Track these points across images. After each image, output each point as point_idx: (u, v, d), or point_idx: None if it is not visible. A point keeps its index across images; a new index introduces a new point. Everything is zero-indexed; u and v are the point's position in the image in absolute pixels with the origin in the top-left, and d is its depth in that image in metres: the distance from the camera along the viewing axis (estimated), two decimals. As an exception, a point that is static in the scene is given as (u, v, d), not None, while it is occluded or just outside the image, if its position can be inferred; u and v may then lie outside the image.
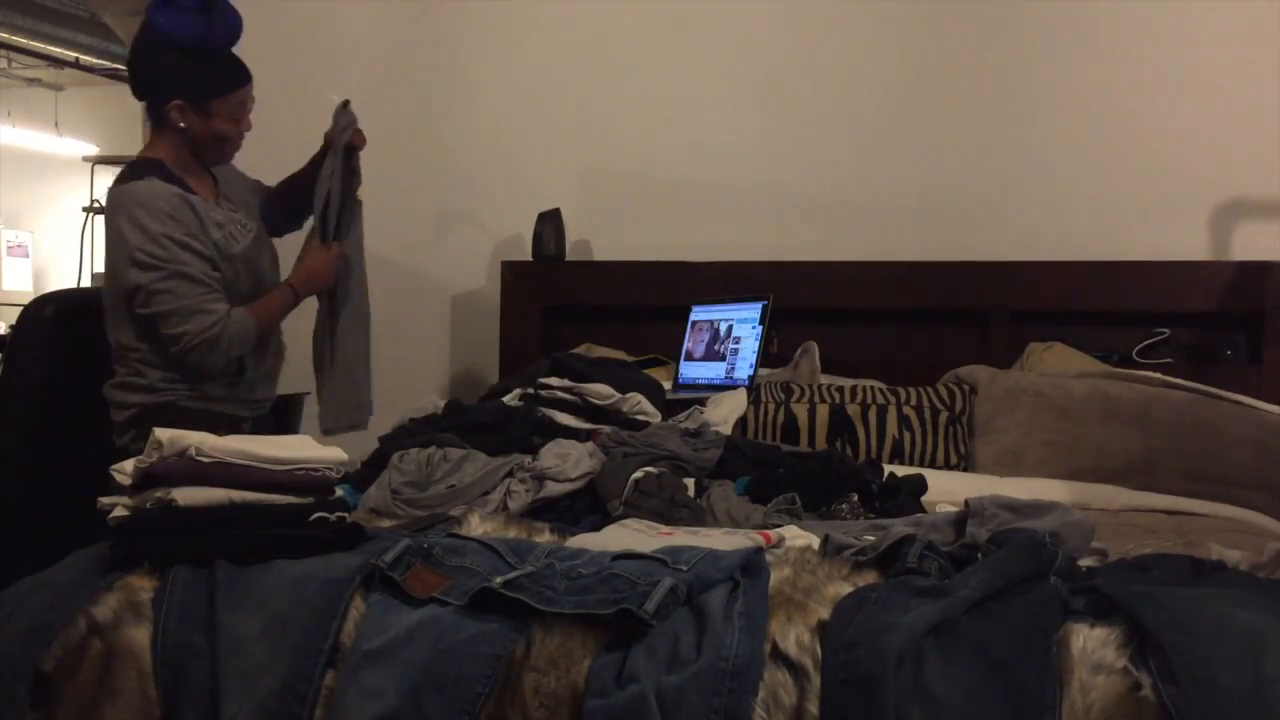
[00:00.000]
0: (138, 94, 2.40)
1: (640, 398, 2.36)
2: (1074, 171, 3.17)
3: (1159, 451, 2.42)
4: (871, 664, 1.20)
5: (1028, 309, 3.07)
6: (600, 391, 2.32)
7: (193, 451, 1.50)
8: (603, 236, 3.58)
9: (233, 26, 2.35)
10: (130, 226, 2.27)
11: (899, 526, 1.58)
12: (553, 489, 1.85)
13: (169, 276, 2.27)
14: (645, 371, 2.70)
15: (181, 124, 2.35)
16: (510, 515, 1.80)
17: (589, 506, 1.85)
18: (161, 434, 1.51)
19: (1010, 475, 2.38)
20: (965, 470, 2.51)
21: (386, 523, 1.77)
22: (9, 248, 9.29)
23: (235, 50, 2.40)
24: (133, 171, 2.36)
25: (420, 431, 2.16)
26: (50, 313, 2.62)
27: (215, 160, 2.47)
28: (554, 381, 2.35)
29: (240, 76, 2.39)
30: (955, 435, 2.56)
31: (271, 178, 2.68)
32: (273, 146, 2.62)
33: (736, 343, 2.88)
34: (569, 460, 1.90)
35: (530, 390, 2.38)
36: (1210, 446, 2.41)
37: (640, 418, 2.32)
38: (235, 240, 2.41)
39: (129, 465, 1.54)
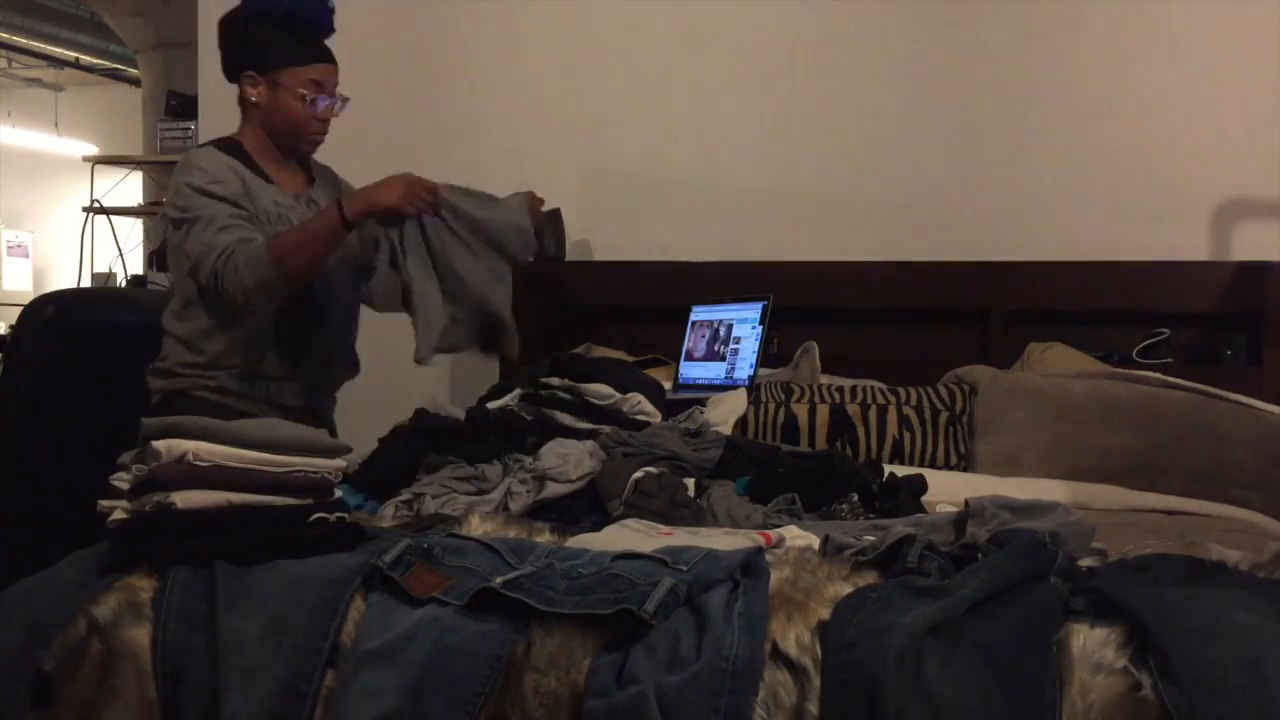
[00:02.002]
0: (224, 71, 2.38)
1: (640, 398, 2.36)
2: (1074, 171, 3.17)
3: (1159, 452, 2.42)
4: (872, 664, 1.20)
5: (1028, 309, 3.06)
6: (600, 391, 2.32)
7: (190, 456, 1.50)
8: (603, 236, 3.57)
9: (317, 5, 2.32)
10: (173, 185, 2.28)
11: (899, 526, 1.58)
12: (553, 489, 1.85)
13: (186, 223, 2.22)
14: (645, 371, 2.70)
15: (253, 96, 2.33)
16: (510, 515, 1.80)
17: (589, 506, 1.85)
18: (159, 443, 1.51)
19: (1010, 475, 2.38)
20: (965, 470, 2.51)
21: (387, 523, 1.77)
22: (9, 248, 9.29)
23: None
24: (204, 144, 2.37)
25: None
26: (50, 313, 2.62)
27: (290, 146, 2.39)
28: (554, 381, 2.35)
29: (314, 52, 2.33)
30: (955, 435, 2.56)
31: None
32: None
33: (736, 343, 2.88)
34: (570, 460, 1.90)
35: (530, 390, 2.38)
36: (1210, 447, 2.41)
37: (640, 418, 2.32)
38: (286, 220, 2.33)
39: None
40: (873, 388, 2.66)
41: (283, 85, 2.31)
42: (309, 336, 2.41)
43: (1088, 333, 3.04)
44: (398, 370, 2.60)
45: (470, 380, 3.62)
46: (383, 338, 2.74)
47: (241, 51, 2.33)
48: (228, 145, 2.36)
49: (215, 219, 2.21)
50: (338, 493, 1.66)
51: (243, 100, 2.37)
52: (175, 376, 2.32)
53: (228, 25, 2.36)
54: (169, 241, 2.32)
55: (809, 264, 3.23)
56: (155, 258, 5.41)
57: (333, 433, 2.53)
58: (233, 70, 2.36)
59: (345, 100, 2.41)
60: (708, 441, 2.10)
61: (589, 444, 1.99)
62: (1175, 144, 3.10)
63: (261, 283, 2.16)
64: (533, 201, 2.38)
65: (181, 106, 5.26)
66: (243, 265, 2.15)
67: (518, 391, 2.40)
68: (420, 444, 2.06)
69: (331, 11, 2.35)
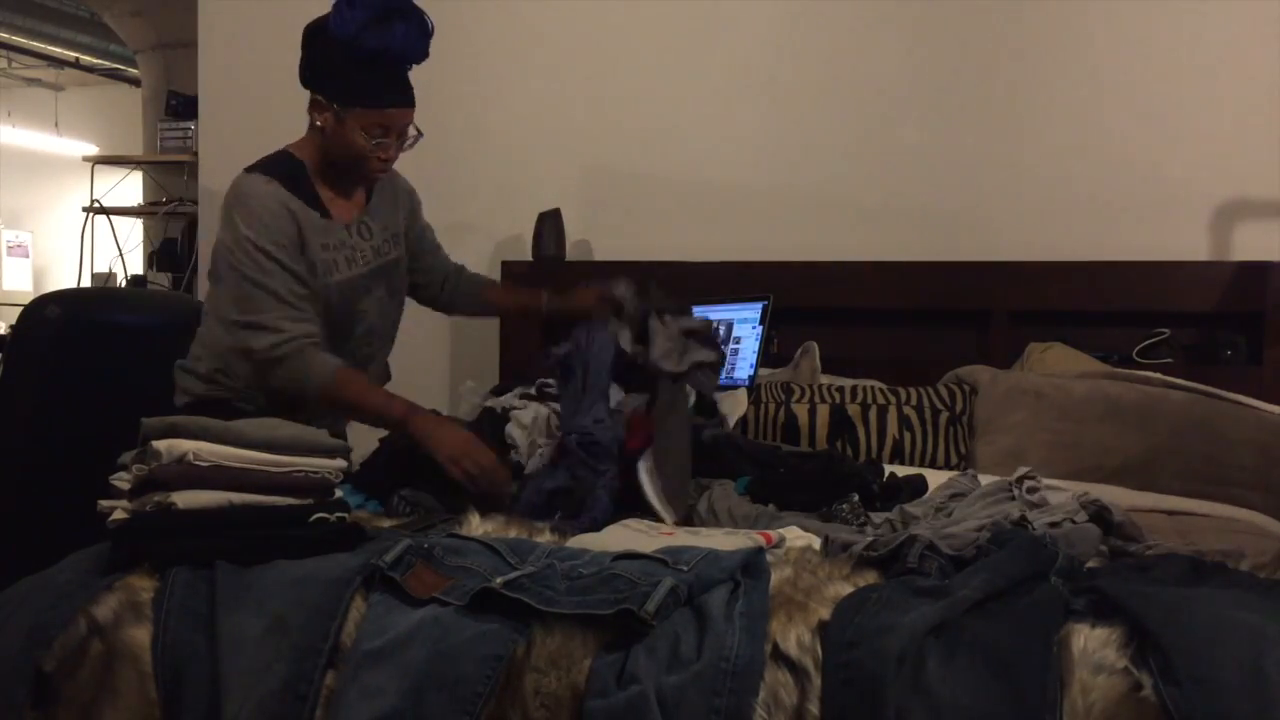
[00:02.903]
0: (302, 78, 2.23)
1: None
2: (1074, 171, 3.17)
3: (1159, 451, 2.42)
4: (872, 664, 1.20)
5: (1028, 309, 3.06)
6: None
7: (190, 456, 1.50)
8: (603, 236, 3.57)
9: (408, 44, 2.12)
10: (228, 221, 2.17)
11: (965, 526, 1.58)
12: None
13: (245, 282, 2.12)
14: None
15: (318, 121, 2.20)
16: (510, 515, 1.80)
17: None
18: (159, 443, 1.51)
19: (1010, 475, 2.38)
20: (966, 470, 2.51)
21: (387, 523, 1.78)
22: (9, 248, 9.29)
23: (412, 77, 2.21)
24: (263, 163, 2.23)
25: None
26: (51, 313, 2.62)
27: (346, 174, 2.27)
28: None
29: (391, 97, 2.16)
30: (955, 435, 2.56)
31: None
32: (271, 146, 2.61)
33: (736, 343, 2.88)
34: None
35: (531, 391, 2.37)
36: (1210, 447, 2.41)
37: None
38: (336, 269, 2.23)
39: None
40: (873, 388, 2.66)
41: (348, 121, 2.16)
42: (344, 352, 2.31)
43: (1088, 333, 3.04)
44: (396, 371, 2.60)
45: (470, 380, 3.62)
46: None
47: (315, 71, 2.18)
48: (287, 163, 2.25)
49: (279, 292, 2.11)
50: (338, 493, 1.66)
51: (310, 112, 2.24)
52: (213, 383, 2.25)
53: (310, 37, 2.20)
54: (219, 274, 2.20)
55: (809, 264, 3.22)
56: (155, 258, 5.42)
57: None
58: (307, 81, 2.22)
59: (418, 136, 2.26)
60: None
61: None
62: (1175, 144, 3.10)
63: (313, 391, 2.11)
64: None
65: (181, 106, 5.26)
66: (315, 373, 2.09)
67: (518, 390, 2.40)
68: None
69: (428, 39, 2.15)
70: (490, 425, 2.21)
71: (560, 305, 2.54)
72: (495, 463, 2.00)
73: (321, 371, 2.10)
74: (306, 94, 2.23)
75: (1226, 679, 1.15)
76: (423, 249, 2.53)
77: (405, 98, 2.19)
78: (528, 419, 2.15)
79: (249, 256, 2.12)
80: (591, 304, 2.36)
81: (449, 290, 2.61)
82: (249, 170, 2.23)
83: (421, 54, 2.16)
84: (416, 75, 2.09)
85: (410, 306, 2.62)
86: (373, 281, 2.32)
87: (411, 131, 2.23)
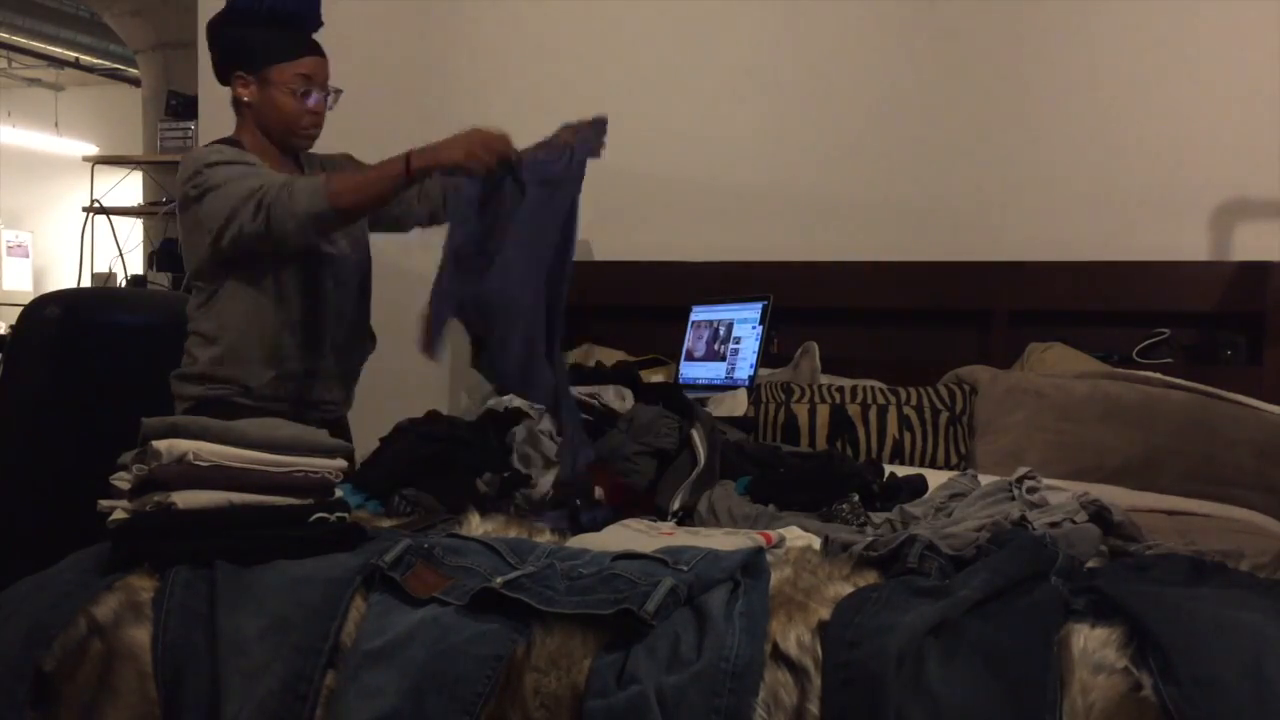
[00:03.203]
0: (216, 75, 2.38)
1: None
2: (1074, 171, 3.17)
3: (1159, 451, 2.42)
4: (872, 664, 1.20)
5: (1028, 309, 3.06)
6: (616, 394, 2.32)
7: (190, 456, 1.50)
8: (603, 236, 3.57)
9: (304, 1, 2.31)
10: (181, 182, 2.26)
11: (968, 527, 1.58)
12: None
13: (213, 189, 2.19)
14: (644, 372, 2.70)
15: (244, 96, 2.33)
16: (510, 515, 1.80)
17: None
18: (159, 443, 1.51)
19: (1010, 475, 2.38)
20: (965, 470, 2.51)
21: (387, 523, 1.78)
22: (9, 248, 9.29)
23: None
24: (207, 146, 2.35)
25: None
26: (51, 313, 2.62)
27: (283, 143, 2.38)
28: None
29: (301, 47, 2.32)
30: (955, 435, 2.56)
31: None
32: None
33: (736, 343, 2.88)
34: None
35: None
36: (1210, 447, 2.41)
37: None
38: None
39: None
40: (873, 388, 2.66)
41: (272, 82, 2.30)
42: (326, 325, 2.40)
43: (1088, 333, 3.04)
44: (396, 371, 2.59)
45: (470, 381, 3.62)
46: (381, 340, 2.73)
47: (229, 53, 2.33)
48: (229, 144, 2.35)
49: (248, 174, 2.19)
50: (338, 493, 1.66)
51: (236, 102, 2.37)
52: (209, 383, 2.30)
53: (214, 29, 2.36)
54: (187, 222, 2.28)
55: (809, 264, 3.22)
56: (155, 258, 5.41)
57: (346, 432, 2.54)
58: (224, 73, 2.36)
59: (338, 92, 2.39)
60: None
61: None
62: (1175, 144, 3.09)
63: (314, 214, 2.12)
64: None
65: (181, 106, 5.26)
66: (300, 194, 2.11)
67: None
68: (423, 447, 2.06)
69: (317, 3, 2.33)
70: (494, 426, 2.21)
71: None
72: (499, 132, 2.04)
73: (316, 185, 2.13)
74: (328, 107, 2.36)
75: (1226, 679, 1.15)
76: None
77: (317, 48, 2.35)
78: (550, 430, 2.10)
79: (208, 173, 2.20)
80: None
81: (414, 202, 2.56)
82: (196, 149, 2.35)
83: (315, 15, 2.32)
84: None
85: (410, 305, 2.62)
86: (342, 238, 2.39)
87: (331, 90, 2.36)
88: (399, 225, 2.57)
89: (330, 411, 2.44)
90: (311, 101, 2.34)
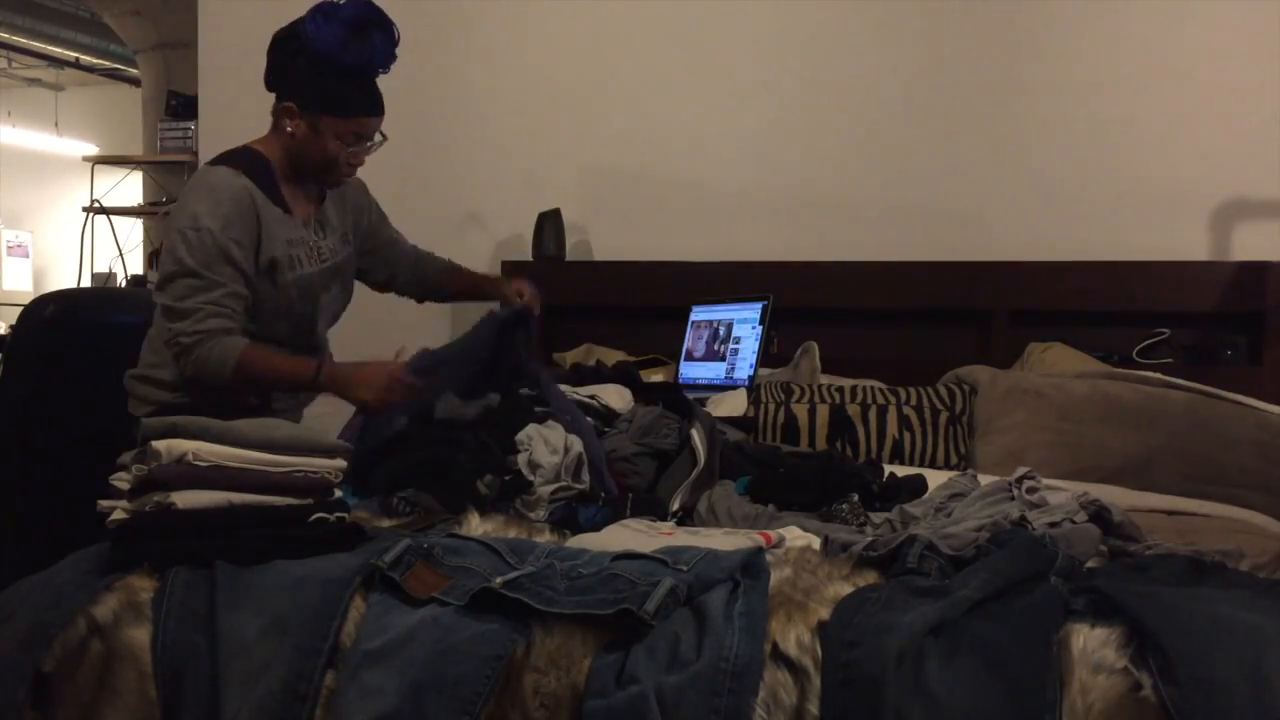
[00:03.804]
0: (267, 82, 2.26)
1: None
2: (1074, 171, 3.17)
3: (1159, 451, 2.42)
4: (872, 664, 1.20)
5: (1028, 309, 3.07)
6: (617, 394, 2.32)
7: (190, 456, 1.50)
8: (603, 236, 3.58)
9: (379, 55, 2.17)
10: (186, 209, 2.18)
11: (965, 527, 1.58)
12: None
13: (184, 271, 2.13)
14: (643, 372, 2.70)
15: (289, 128, 2.22)
16: (510, 516, 1.80)
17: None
18: (159, 443, 1.51)
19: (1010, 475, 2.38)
20: (965, 470, 2.51)
21: (387, 522, 1.77)
22: (9, 248, 9.29)
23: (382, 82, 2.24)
24: (229, 156, 2.26)
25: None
26: (50, 313, 2.61)
27: (315, 178, 2.30)
28: (563, 387, 2.33)
29: (364, 106, 2.21)
30: (955, 435, 2.56)
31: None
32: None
33: (736, 343, 2.88)
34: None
35: (535, 393, 2.37)
36: (1210, 447, 2.41)
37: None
38: (299, 264, 2.26)
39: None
40: (873, 388, 2.66)
41: (323, 130, 2.20)
42: (287, 339, 2.33)
43: (1088, 333, 3.04)
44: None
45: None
46: (382, 339, 2.74)
47: (287, 78, 2.21)
48: (251, 159, 2.26)
49: (212, 297, 2.14)
50: (338, 493, 1.65)
51: (277, 117, 2.26)
52: (179, 390, 2.25)
53: (281, 44, 2.21)
54: (165, 255, 2.22)
55: (809, 264, 3.23)
56: (155, 258, 5.42)
57: None
58: (276, 88, 2.25)
59: (383, 141, 2.30)
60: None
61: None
62: (1175, 144, 3.10)
63: (213, 378, 2.13)
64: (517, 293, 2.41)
65: (181, 106, 5.27)
66: (212, 359, 2.11)
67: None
68: (422, 448, 2.05)
69: (396, 46, 2.19)
70: (487, 430, 2.20)
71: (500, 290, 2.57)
72: (404, 374, 2.09)
73: (224, 355, 2.11)
74: (365, 160, 2.29)
75: (1226, 679, 1.15)
76: (380, 241, 2.54)
77: (379, 106, 2.24)
78: (558, 443, 2.04)
79: (203, 247, 2.13)
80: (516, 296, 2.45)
81: (412, 278, 2.60)
82: (214, 162, 2.26)
83: (391, 62, 2.22)
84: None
85: (409, 305, 2.63)
86: (330, 278, 2.34)
87: (377, 137, 2.28)
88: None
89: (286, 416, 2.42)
90: (356, 156, 2.26)
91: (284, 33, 2.21)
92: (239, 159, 2.25)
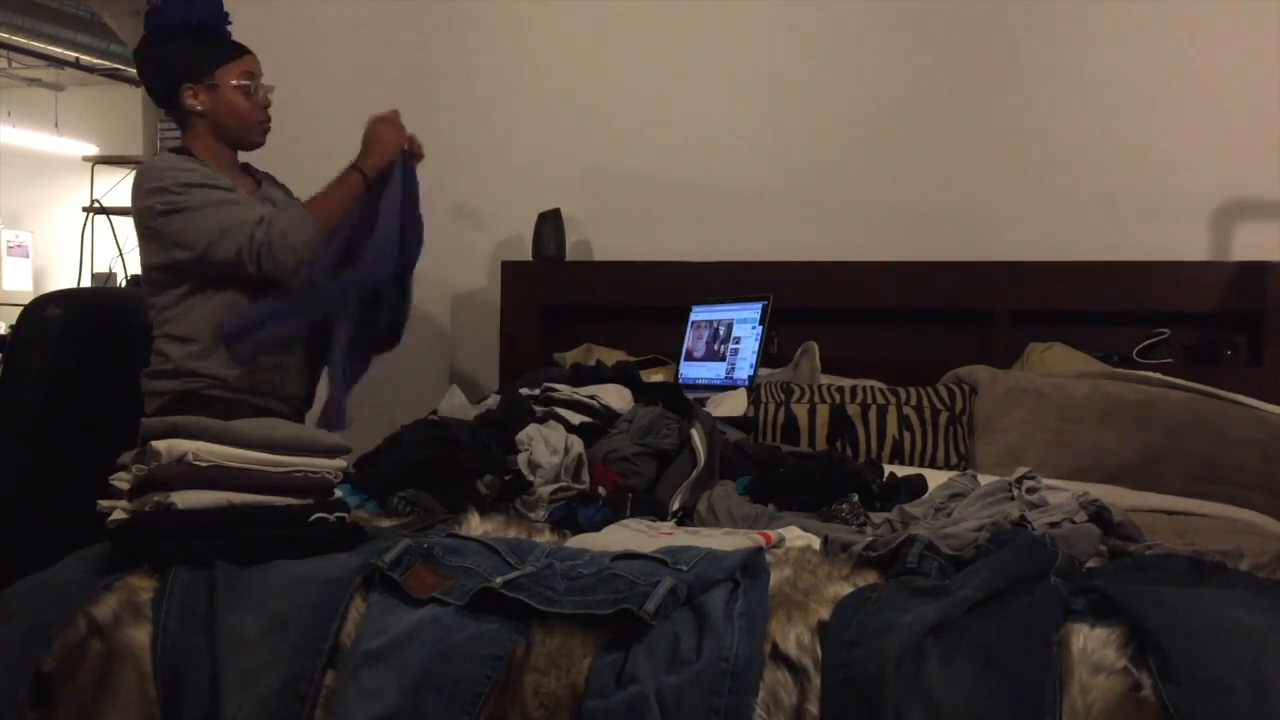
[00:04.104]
0: (156, 99, 2.47)
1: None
2: (1074, 172, 3.17)
3: (1159, 451, 2.42)
4: (872, 664, 1.20)
5: (1028, 309, 3.06)
6: (617, 394, 2.32)
7: (190, 456, 1.50)
8: (603, 236, 3.57)
9: (214, 6, 2.43)
10: (145, 193, 2.32)
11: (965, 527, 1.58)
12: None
13: (185, 211, 2.28)
14: (643, 372, 2.70)
15: (197, 106, 2.41)
16: (510, 516, 1.80)
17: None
18: (159, 443, 1.51)
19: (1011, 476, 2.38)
20: (965, 470, 2.51)
21: (387, 522, 1.78)
22: (9, 248, 9.29)
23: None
24: (161, 155, 2.46)
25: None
26: (51, 313, 2.62)
27: (242, 142, 2.48)
28: (563, 387, 2.33)
29: (234, 49, 2.44)
30: (955, 435, 2.56)
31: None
32: (272, 148, 2.61)
33: (736, 343, 2.88)
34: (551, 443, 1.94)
35: (536, 393, 2.37)
36: (1210, 447, 2.41)
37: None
38: None
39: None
40: (873, 388, 2.66)
41: (221, 86, 2.41)
42: None
43: (1088, 333, 3.04)
44: (396, 370, 2.60)
45: (470, 381, 3.62)
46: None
47: (171, 70, 2.41)
48: (181, 153, 2.42)
49: (224, 200, 2.31)
50: (338, 493, 1.66)
51: (184, 115, 2.44)
52: (183, 377, 2.33)
53: (148, 53, 2.44)
54: (148, 229, 2.34)
55: (809, 264, 3.23)
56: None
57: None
58: (166, 93, 2.43)
59: (271, 87, 2.51)
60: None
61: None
62: (1175, 144, 3.10)
63: (310, 243, 2.30)
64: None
65: (181, 106, 5.25)
66: (291, 230, 2.28)
67: (524, 392, 2.38)
68: (422, 448, 2.05)
69: (221, 5, 2.45)
70: (487, 430, 2.20)
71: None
72: (390, 115, 2.44)
73: (301, 216, 2.32)
74: (271, 101, 2.49)
75: (1226, 679, 1.15)
76: None
77: (245, 47, 2.47)
78: (558, 443, 2.06)
79: (177, 192, 2.28)
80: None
81: None
82: (151, 159, 2.45)
83: (225, 16, 2.47)
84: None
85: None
86: None
87: (264, 83, 2.49)
88: None
89: (295, 406, 2.50)
90: (261, 96, 2.46)
91: (143, 44, 2.45)
92: (168, 154, 2.44)
